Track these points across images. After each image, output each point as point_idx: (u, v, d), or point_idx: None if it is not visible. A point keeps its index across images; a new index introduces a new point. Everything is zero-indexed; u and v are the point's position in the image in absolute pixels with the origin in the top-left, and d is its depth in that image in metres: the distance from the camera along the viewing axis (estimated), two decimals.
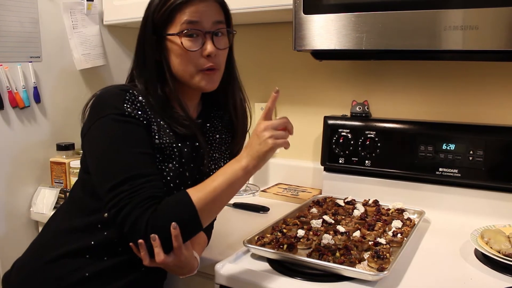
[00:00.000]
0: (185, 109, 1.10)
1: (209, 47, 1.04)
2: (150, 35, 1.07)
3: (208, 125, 1.19)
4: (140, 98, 1.04)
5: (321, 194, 1.69)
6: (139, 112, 1.02)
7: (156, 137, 1.04)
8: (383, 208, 1.46)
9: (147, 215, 0.92)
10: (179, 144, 1.07)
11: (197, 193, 0.96)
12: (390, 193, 1.55)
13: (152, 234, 0.92)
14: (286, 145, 1.00)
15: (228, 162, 1.01)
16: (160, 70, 1.08)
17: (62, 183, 1.71)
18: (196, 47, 1.04)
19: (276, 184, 1.85)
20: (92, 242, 1.05)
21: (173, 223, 0.92)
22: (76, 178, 1.63)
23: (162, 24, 1.05)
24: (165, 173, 1.04)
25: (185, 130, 1.08)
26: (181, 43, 1.03)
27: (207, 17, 1.04)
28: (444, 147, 1.46)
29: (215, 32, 1.06)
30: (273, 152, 0.98)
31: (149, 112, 1.04)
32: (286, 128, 1.01)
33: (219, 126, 1.22)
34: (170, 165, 1.05)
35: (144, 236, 0.92)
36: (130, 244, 0.96)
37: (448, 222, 1.41)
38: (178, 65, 1.06)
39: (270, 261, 1.14)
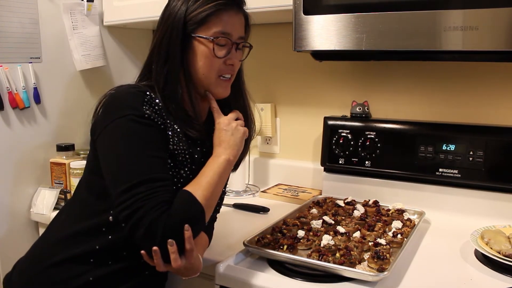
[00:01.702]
0: (197, 112, 1.10)
1: (234, 57, 1.10)
2: (180, 32, 1.05)
3: None
4: (157, 101, 1.03)
5: (321, 194, 1.69)
6: (157, 115, 1.01)
7: (171, 142, 1.03)
8: (383, 209, 1.46)
9: (162, 219, 0.90)
10: (191, 150, 1.07)
11: (197, 191, 0.97)
12: (390, 194, 1.55)
13: (170, 240, 0.91)
14: (247, 131, 1.13)
15: (209, 160, 1.05)
16: (181, 69, 1.08)
17: (62, 183, 1.71)
18: (223, 54, 1.07)
19: (276, 185, 1.85)
20: (97, 247, 1.05)
21: (186, 225, 0.92)
22: (76, 179, 1.63)
23: (193, 24, 1.05)
24: (176, 180, 1.04)
25: (197, 133, 1.08)
26: (213, 48, 1.05)
27: (236, 30, 1.09)
28: (444, 147, 1.46)
29: (239, 45, 1.11)
30: (244, 138, 1.11)
31: (165, 117, 1.03)
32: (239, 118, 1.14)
33: None
34: (182, 171, 1.05)
35: (160, 242, 0.91)
36: (142, 252, 0.94)
37: (448, 223, 1.41)
38: (200, 67, 1.07)
39: (270, 261, 1.14)
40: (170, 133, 1.03)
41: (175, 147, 1.04)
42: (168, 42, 1.06)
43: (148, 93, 1.03)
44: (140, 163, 0.96)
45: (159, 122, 1.01)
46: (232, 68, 1.11)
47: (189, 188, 0.98)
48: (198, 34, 1.06)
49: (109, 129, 0.99)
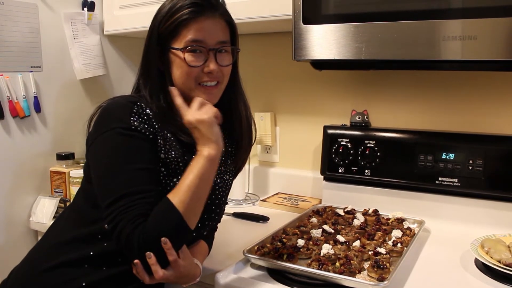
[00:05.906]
0: None
1: (211, 65, 1.06)
2: (155, 46, 1.08)
3: None
4: (147, 110, 1.04)
5: (321, 203, 1.68)
6: (146, 126, 1.02)
7: (162, 151, 1.03)
8: (383, 218, 1.46)
9: (137, 232, 0.91)
10: (185, 157, 1.07)
11: (175, 197, 0.96)
12: (390, 203, 1.55)
13: (147, 252, 0.92)
14: (218, 114, 1.04)
15: (192, 159, 1.02)
16: (163, 81, 1.09)
17: (61, 192, 1.71)
18: (198, 62, 1.05)
19: (276, 194, 1.85)
20: (91, 253, 1.05)
21: (163, 238, 0.92)
22: (76, 188, 1.63)
23: (166, 36, 1.06)
24: (169, 188, 1.03)
25: (189, 138, 1.08)
26: (184, 58, 1.05)
27: (211, 35, 1.06)
28: (443, 156, 1.46)
29: (219, 49, 1.07)
30: (216, 124, 1.03)
31: (156, 126, 1.04)
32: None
33: (224, 139, 1.21)
34: (175, 179, 1.04)
35: (138, 255, 0.93)
36: (131, 263, 0.96)
37: (448, 232, 1.41)
38: (178, 77, 1.08)
39: (270, 271, 1.14)
40: (161, 141, 1.04)
41: (167, 155, 1.04)
42: (148, 58, 1.10)
43: (138, 103, 1.04)
44: (123, 177, 0.97)
45: (147, 133, 1.02)
46: (212, 75, 1.07)
47: (169, 194, 0.98)
48: (172, 45, 1.06)
49: (97, 142, 1.02)
